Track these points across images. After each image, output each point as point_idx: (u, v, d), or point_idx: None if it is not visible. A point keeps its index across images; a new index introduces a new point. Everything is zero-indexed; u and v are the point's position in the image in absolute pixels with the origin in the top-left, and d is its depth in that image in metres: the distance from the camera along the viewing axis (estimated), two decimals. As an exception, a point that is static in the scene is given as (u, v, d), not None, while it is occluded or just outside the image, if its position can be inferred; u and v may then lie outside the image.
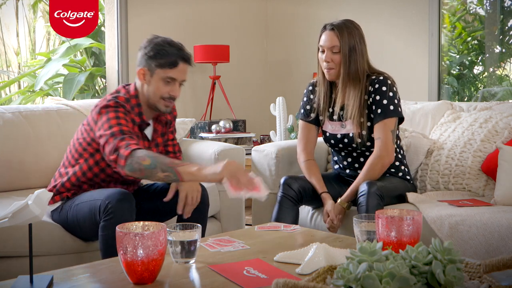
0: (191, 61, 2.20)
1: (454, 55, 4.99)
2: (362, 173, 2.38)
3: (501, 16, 4.64)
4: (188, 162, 2.02)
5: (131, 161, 1.92)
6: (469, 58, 5.09)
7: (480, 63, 5.08)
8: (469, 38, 5.06)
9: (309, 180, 2.48)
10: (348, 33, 2.39)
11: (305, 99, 2.61)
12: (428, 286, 1.07)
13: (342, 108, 2.49)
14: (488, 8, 4.81)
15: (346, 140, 2.49)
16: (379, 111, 2.39)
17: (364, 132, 2.43)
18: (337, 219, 2.35)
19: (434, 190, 2.62)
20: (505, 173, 2.37)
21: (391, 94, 2.40)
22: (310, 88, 2.60)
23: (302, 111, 2.62)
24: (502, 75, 4.92)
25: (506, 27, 4.74)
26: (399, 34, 4.30)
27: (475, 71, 5.12)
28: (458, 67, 4.96)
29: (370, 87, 2.41)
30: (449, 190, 2.59)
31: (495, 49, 4.81)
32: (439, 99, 4.12)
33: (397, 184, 2.46)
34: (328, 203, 2.39)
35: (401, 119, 2.47)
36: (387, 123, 2.38)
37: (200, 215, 2.22)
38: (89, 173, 2.20)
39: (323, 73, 2.48)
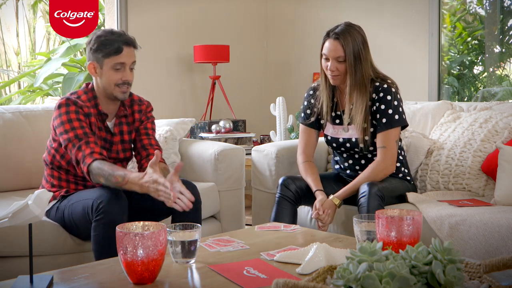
0: (135, 44, 2.23)
1: (454, 55, 4.99)
2: (362, 177, 2.38)
3: (501, 16, 4.64)
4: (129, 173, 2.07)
5: (92, 177, 2.10)
6: (469, 58, 5.09)
7: (480, 63, 5.08)
8: (469, 38, 5.06)
9: (305, 179, 2.48)
10: (352, 40, 2.36)
11: (305, 103, 2.61)
12: (428, 286, 1.07)
13: (344, 112, 2.49)
14: (488, 8, 4.81)
15: (348, 145, 2.49)
16: (384, 120, 2.39)
17: (367, 138, 2.42)
18: (325, 213, 2.33)
19: (434, 190, 2.62)
20: (505, 173, 2.37)
21: (395, 103, 2.40)
22: (311, 92, 2.60)
23: (302, 114, 2.62)
24: (502, 75, 4.92)
25: (506, 27, 4.74)
26: (399, 34, 4.30)
27: (475, 71, 5.12)
28: (458, 67, 4.96)
29: (374, 94, 2.41)
30: (449, 190, 2.59)
31: (495, 49, 4.81)
32: (439, 99, 4.12)
33: (397, 185, 2.46)
34: (319, 198, 2.39)
35: (404, 126, 2.47)
36: (392, 133, 2.39)
37: (194, 213, 2.22)
38: (71, 167, 2.25)
39: (325, 77, 2.47)
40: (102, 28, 2.30)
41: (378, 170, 2.38)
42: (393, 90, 2.41)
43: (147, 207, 2.22)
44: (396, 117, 2.39)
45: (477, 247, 2.11)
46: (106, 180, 2.05)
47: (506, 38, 4.81)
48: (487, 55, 4.88)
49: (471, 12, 5.08)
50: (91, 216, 2.01)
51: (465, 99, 4.87)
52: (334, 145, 2.54)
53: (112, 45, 2.17)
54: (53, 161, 2.25)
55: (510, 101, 4.49)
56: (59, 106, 2.19)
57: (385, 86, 2.40)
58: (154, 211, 2.22)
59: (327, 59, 2.41)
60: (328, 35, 2.40)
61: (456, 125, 2.77)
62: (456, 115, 2.85)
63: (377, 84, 2.41)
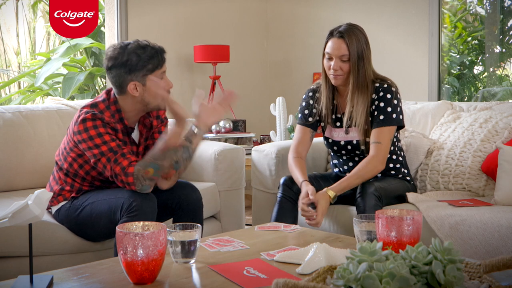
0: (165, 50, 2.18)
1: (454, 55, 4.99)
2: (354, 172, 2.32)
3: (501, 16, 4.64)
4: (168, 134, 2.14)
5: (139, 183, 2.04)
6: (469, 58, 5.09)
7: (480, 63, 5.08)
8: (469, 38, 5.06)
9: (291, 172, 2.42)
10: (356, 40, 2.34)
11: (303, 103, 2.57)
12: (428, 286, 1.07)
13: (344, 114, 2.47)
14: (488, 8, 4.81)
15: (349, 147, 2.48)
16: (381, 117, 2.36)
17: (368, 140, 2.41)
18: (320, 211, 2.19)
19: (434, 190, 2.62)
20: (505, 173, 2.37)
21: (395, 102, 2.38)
22: (310, 94, 2.56)
23: (300, 115, 2.58)
24: (502, 75, 4.92)
25: (506, 27, 4.74)
26: (399, 34, 4.30)
27: (475, 71, 5.12)
28: (458, 67, 4.96)
29: (374, 95, 2.39)
30: (449, 190, 2.59)
31: (495, 49, 4.81)
32: (439, 99, 4.12)
33: (396, 185, 2.45)
34: (307, 188, 2.28)
35: (400, 127, 2.45)
36: (388, 130, 2.36)
37: (195, 216, 2.22)
38: (88, 177, 2.21)
39: (326, 78, 2.45)
40: (119, 44, 2.14)
41: (372, 165, 2.31)
42: (393, 89, 2.40)
43: None
44: (394, 115, 2.37)
45: (477, 247, 2.11)
46: (155, 165, 2.03)
47: (506, 38, 4.82)
48: (487, 55, 4.88)
49: (471, 12, 5.08)
50: (120, 214, 2.02)
51: (465, 99, 4.87)
52: (335, 148, 2.53)
53: (156, 58, 2.12)
54: (69, 168, 2.21)
55: (510, 101, 4.49)
56: (84, 120, 2.08)
57: (385, 86, 2.40)
58: (158, 212, 2.21)
59: (330, 59, 2.39)
60: (331, 34, 2.39)
61: (456, 125, 2.77)
62: (456, 115, 2.85)
63: (377, 85, 2.40)
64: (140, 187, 2.05)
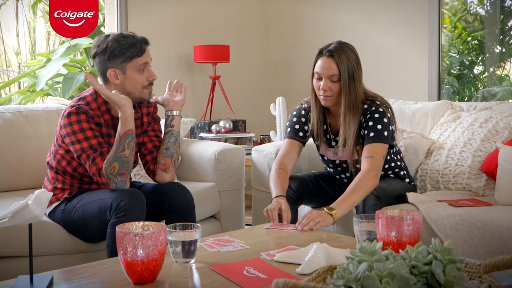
0: (149, 41, 2.21)
1: (454, 55, 4.99)
2: (349, 187, 2.17)
3: (501, 16, 4.64)
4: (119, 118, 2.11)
5: (112, 182, 2.06)
6: (469, 58, 5.09)
7: (480, 63, 5.08)
8: (469, 38, 5.06)
9: (270, 182, 2.31)
10: (346, 59, 2.24)
11: (294, 119, 2.48)
12: (428, 286, 1.07)
13: (337, 134, 2.40)
14: (489, 8, 4.81)
15: (344, 165, 2.46)
16: (371, 134, 2.27)
17: (358, 165, 2.33)
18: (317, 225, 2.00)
19: (434, 190, 2.62)
20: (505, 173, 2.37)
21: (385, 120, 2.28)
22: (303, 112, 2.47)
23: (289, 129, 2.49)
24: (502, 75, 4.92)
25: (506, 27, 4.74)
26: (399, 34, 4.30)
27: (475, 71, 5.12)
28: (458, 67, 4.96)
29: (362, 118, 2.30)
30: (449, 190, 2.59)
31: (495, 49, 4.81)
32: (439, 99, 4.12)
33: (396, 185, 2.45)
34: (282, 203, 2.14)
35: (391, 147, 2.35)
36: (381, 147, 2.25)
37: (187, 218, 2.21)
38: (76, 173, 2.22)
39: (315, 98, 2.37)
40: (104, 34, 2.18)
41: (366, 179, 2.16)
42: (381, 110, 2.30)
43: None
44: (385, 133, 2.27)
45: (477, 247, 2.12)
46: (115, 157, 2.04)
47: (506, 38, 4.82)
48: (487, 55, 4.88)
49: (471, 12, 5.08)
50: (110, 214, 2.01)
51: (465, 99, 4.87)
52: (331, 165, 2.52)
53: (135, 47, 2.13)
54: (58, 166, 2.22)
55: (510, 101, 4.49)
56: (69, 114, 2.11)
57: (373, 108, 2.30)
58: (149, 212, 2.20)
59: (319, 79, 2.30)
60: (321, 53, 2.29)
61: (456, 125, 2.77)
62: (456, 115, 2.85)
63: (366, 106, 2.31)
64: (114, 185, 2.07)
